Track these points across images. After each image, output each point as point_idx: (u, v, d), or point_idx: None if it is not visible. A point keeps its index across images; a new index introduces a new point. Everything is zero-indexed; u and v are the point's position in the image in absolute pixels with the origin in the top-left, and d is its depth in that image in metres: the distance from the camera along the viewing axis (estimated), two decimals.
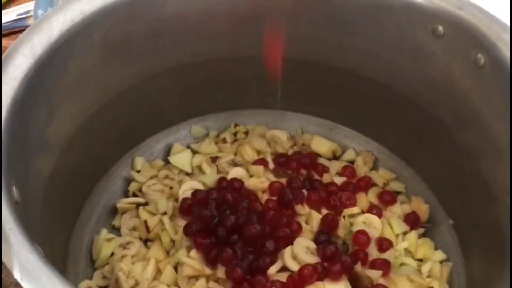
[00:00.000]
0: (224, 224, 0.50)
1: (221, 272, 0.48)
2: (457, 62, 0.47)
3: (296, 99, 0.61)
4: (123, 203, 0.55)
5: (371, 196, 0.57)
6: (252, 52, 0.54)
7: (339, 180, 0.58)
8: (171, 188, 0.57)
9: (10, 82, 0.39)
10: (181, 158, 0.59)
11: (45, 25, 0.43)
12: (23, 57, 0.41)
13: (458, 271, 0.52)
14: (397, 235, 0.54)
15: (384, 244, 0.53)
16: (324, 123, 0.62)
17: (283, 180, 0.57)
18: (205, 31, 0.50)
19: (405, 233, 0.55)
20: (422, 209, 0.56)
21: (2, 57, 0.40)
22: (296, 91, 0.59)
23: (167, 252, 0.52)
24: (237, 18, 0.50)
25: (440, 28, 0.46)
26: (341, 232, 0.53)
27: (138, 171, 0.58)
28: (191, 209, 0.52)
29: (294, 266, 0.49)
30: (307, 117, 0.63)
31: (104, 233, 0.53)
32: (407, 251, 0.54)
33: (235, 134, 0.62)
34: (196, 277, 0.49)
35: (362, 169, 0.59)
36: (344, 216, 0.55)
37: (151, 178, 0.58)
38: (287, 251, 0.50)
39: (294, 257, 0.49)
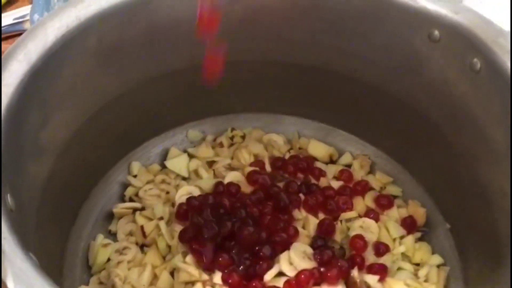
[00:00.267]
0: (220, 230, 0.49)
1: (217, 277, 0.48)
2: (453, 66, 0.47)
3: (293, 103, 0.61)
4: (119, 208, 0.55)
5: (368, 200, 0.57)
6: (248, 56, 0.54)
7: (336, 184, 0.58)
8: (167, 192, 0.57)
9: (5, 89, 0.39)
10: (178, 163, 0.59)
11: (40, 31, 0.43)
12: (18, 63, 0.41)
13: (455, 275, 0.52)
14: (394, 239, 0.54)
15: (381, 248, 0.52)
16: (321, 127, 0.62)
17: (281, 184, 0.57)
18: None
19: (402, 237, 0.55)
20: (419, 213, 0.56)
21: None
22: (293, 95, 0.59)
23: (164, 258, 0.52)
24: (232, 23, 0.50)
25: (436, 33, 0.46)
26: (338, 236, 0.53)
27: (135, 176, 0.58)
28: (188, 214, 0.52)
29: (291, 272, 0.49)
30: (304, 121, 0.62)
31: (101, 238, 0.53)
32: (404, 256, 0.54)
33: (232, 138, 0.62)
34: (193, 283, 0.49)
35: (359, 173, 0.59)
36: (341, 221, 0.55)
37: (148, 182, 0.58)
38: (283, 256, 0.50)
39: (291, 262, 0.49)
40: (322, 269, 0.49)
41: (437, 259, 0.53)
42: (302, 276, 0.48)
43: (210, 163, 0.60)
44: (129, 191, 0.57)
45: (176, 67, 0.53)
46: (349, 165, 0.61)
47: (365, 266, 0.51)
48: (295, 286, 0.48)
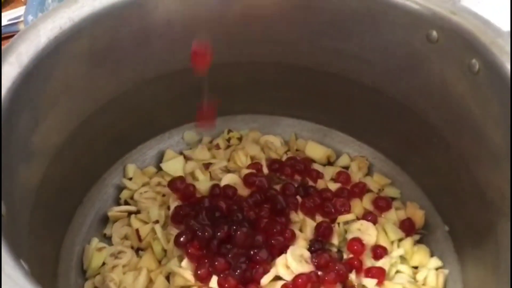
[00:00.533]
0: (216, 234, 0.49)
1: (213, 282, 0.48)
2: (452, 67, 0.46)
3: (290, 104, 0.60)
4: (114, 211, 0.55)
5: (366, 202, 0.57)
6: (244, 57, 0.53)
7: (333, 186, 0.57)
8: (163, 195, 0.56)
9: None
10: (174, 165, 0.59)
11: (32, 33, 0.42)
12: (9, 66, 0.40)
13: (454, 278, 0.52)
14: (392, 242, 0.54)
15: (379, 251, 0.52)
16: (318, 128, 0.62)
17: (278, 187, 0.56)
18: (195, 37, 0.50)
19: (400, 240, 0.54)
20: (418, 215, 0.55)
21: None
22: (290, 96, 0.59)
23: (159, 262, 0.52)
24: (228, 23, 0.49)
25: (434, 33, 0.45)
26: (335, 239, 0.53)
27: (130, 179, 0.58)
28: (183, 217, 0.51)
29: (288, 276, 0.48)
30: (301, 122, 0.62)
31: (95, 242, 0.53)
32: (402, 258, 0.53)
33: (228, 140, 0.62)
34: (189, 287, 0.48)
35: (356, 175, 0.59)
36: (338, 223, 0.54)
37: (143, 185, 0.57)
38: (280, 260, 0.49)
39: (288, 266, 0.49)
40: (319, 273, 0.49)
41: (435, 262, 0.53)
42: (299, 280, 0.47)
43: (207, 165, 0.59)
44: (124, 194, 0.56)
45: (172, 68, 0.52)
46: (346, 167, 0.60)
47: (363, 270, 0.50)
48: None
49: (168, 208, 0.54)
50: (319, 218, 0.54)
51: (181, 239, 0.49)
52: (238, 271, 0.48)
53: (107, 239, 0.54)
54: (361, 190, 0.57)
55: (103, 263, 0.51)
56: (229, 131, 0.62)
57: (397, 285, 0.50)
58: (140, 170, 0.58)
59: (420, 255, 0.53)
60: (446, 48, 0.45)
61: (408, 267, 0.52)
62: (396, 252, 0.53)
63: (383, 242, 0.53)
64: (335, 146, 0.61)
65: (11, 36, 0.44)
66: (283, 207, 0.53)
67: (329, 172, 0.59)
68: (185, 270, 0.48)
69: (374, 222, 0.54)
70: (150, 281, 0.50)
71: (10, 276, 0.30)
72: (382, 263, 0.51)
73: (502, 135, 0.43)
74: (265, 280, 0.48)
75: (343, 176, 0.58)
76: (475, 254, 0.50)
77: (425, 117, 0.51)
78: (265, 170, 0.58)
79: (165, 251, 0.52)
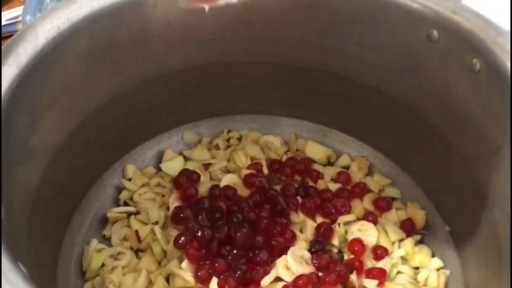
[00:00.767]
0: (216, 235, 0.49)
1: (213, 283, 0.47)
2: (452, 67, 0.46)
3: (290, 104, 0.60)
4: (113, 212, 0.54)
5: (366, 203, 0.56)
6: (244, 57, 0.53)
7: (333, 187, 0.57)
8: (163, 196, 0.56)
9: None
10: (173, 165, 0.58)
11: (30, 33, 0.42)
12: (8, 67, 0.40)
13: (455, 279, 0.52)
14: (393, 243, 0.54)
15: (379, 252, 0.52)
16: (318, 128, 0.61)
17: (278, 187, 0.56)
18: (194, 37, 0.50)
19: (401, 240, 0.54)
20: (418, 215, 0.55)
21: None
22: (290, 96, 0.58)
23: (159, 263, 0.51)
24: (227, 23, 0.49)
25: (435, 33, 0.45)
26: (336, 240, 0.53)
27: (130, 179, 0.57)
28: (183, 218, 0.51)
29: (288, 277, 0.48)
30: (301, 122, 0.62)
31: (95, 243, 0.52)
32: (403, 259, 0.53)
33: (228, 140, 0.61)
34: None
35: (357, 175, 0.59)
36: (339, 224, 0.54)
37: (143, 186, 0.57)
38: (281, 261, 0.49)
39: (288, 267, 0.48)
40: (320, 274, 0.48)
41: (436, 262, 0.53)
42: (300, 281, 0.47)
43: (206, 166, 0.59)
44: (124, 195, 0.56)
45: (171, 68, 0.52)
46: (347, 167, 0.60)
47: (364, 270, 0.50)
48: None
49: (168, 208, 0.54)
50: (319, 219, 0.54)
51: (181, 240, 0.49)
52: (238, 272, 0.47)
53: (107, 240, 0.54)
54: (361, 190, 0.57)
55: (103, 265, 0.51)
56: (229, 131, 0.62)
57: (398, 286, 0.50)
58: (140, 170, 0.58)
59: (421, 255, 0.53)
60: (447, 47, 0.45)
61: (409, 267, 0.52)
62: (397, 252, 0.52)
63: (384, 243, 0.53)
64: (335, 146, 0.61)
65: (9, 36, 0.44)
66: (283, 208, 0.53)
67: (329, 172, 0.59)
68: (185, 272, 0.48)
69: (375, 222, 0.54)
70: (150, 283, 0.50)
71: (9, 280, 0.30)
72: (383, 263, 0.51)
73: (503, 135, 0.43)
74: (265, 281, 0.48)
75: (343, 176, 0.58)
76: (477, 255, 0.50)
77: (425, 117, 0.51)
78: (265, 170, 0.58)
79: (164, 252, 0.51)
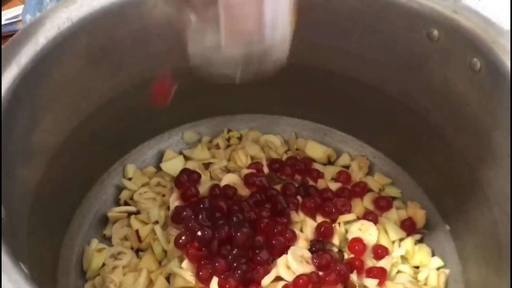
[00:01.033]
0: (216, 235, 0.49)
1: (214, 283, 0.47)
2: (453, 66, 0.46)
3: (290, 104, 0.60)
4: (114, 212, 0.54)
5: (367, 202, 0.56)
6: None
7: (334, 186, 0.57)
8: (163, 195, 0.56)
9: None
10: (173, 165, 0.58)
11: (31, 33, 0.42)
12: (8, 66, 0.40)
13: (455, 278, 0.52)
14: (393, 242, 0.54)
15: (380, 251, 0.52)
16: (318, 127, 0.61)
17: (278, 187, 0.56)
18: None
19: (401, 240, 0.54)
20: (419, 214, 0.55)
21: None
22: (290, 95, 0.58)
23: (159, 263, 0.51)
24: None
25: (435, 32, 0.45)
26: (336, 239, 0.53)
27: (130, 179, 0.57)
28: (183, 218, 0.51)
29: (289, 276, 0.48)
30: (301, 121, 0.62)
31: (95, 243, 0.52)
32: (403, 258, 0.53)
33: (228, 139, 0.61)
34: None
35: (357, 174, 0.59)
36: (339, 223, 0.54)
37: (143, 185, 0.57)
38: (281, 261, 0.49)
39: (289, 267, 0.48)
40: (320, 273, 0.48)
41: (436, 261, 0.53)
42: (300, 281, 0.47)
43: (206, 165, 0.59)
44: (124, 195, 0.56)
45: (171, 68, 0.52)
46: (347, 166, 0.60)
47: (364, 270, 0.50)
48: None
49: (168, 208, 0.54)
50: (319, 218, 0.54)
51: (181, 240, 0.49)
52: (239, 272, 0.47)
53: (107, 240, 0.54)
54: (361, 189, 0.57)
55: (103, 264, 0.51)
56: (229, 130, 0.62)
57: (399, 285, 0.50)
58: (140, 170, 0.58)
59: (421, 255, 0.53)
60: (447, 47, 0.45)
61: (409, 267, 0.52)
62: (397, 252, 0.53)
63: (384, 242, 0.53)
64: (336, 146, 0.61)
65: (9, 36, 0.43)
66: (283, 207, 0.53)
67: (329, 171, 0.59)
68: (186, 271, 0.48)
69: (375, 222, 0.54)
70: (150, 282, 0.50)
71: (11, 279, 0.30)
72: (383, 263, 0.51)
73: (503, 134, 0.43)
74: (266, 281, 0.48)
75: (343, 175, 0.58)
76: (477, 254, 0.50)
77: (426, 116, 0.51)
78: (266, 170, 0.58)
79: (165, 252, 0.51)
